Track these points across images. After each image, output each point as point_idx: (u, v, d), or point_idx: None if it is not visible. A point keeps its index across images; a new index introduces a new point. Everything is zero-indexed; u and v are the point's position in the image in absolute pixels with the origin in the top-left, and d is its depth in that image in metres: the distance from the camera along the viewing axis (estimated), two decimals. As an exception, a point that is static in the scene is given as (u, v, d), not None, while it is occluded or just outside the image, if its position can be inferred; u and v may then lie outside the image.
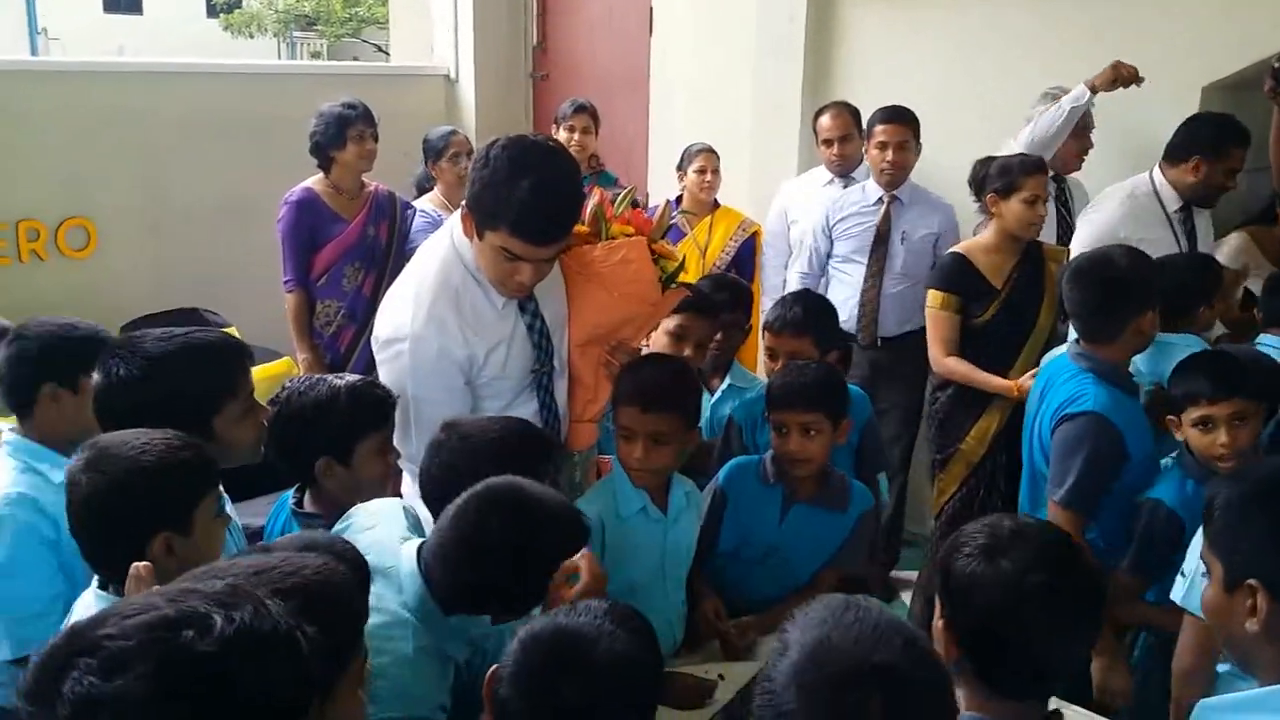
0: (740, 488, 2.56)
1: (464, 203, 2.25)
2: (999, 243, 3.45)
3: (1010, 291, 3.42)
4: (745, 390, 3.23)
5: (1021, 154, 3.51)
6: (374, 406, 2.21)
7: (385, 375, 2.35)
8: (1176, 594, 2.18)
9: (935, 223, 4.04)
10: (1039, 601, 1.43)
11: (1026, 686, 1.47)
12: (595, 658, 1.31)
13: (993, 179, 3.41)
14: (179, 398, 1.89)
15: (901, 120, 3.97)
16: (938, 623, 1.53)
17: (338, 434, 2.15)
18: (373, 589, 1.71)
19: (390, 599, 1.75)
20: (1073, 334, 2.85)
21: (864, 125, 4.15)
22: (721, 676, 2.22)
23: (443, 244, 2.37)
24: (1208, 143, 3.46)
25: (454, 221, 2.35)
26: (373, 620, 1.65)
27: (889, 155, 3.95)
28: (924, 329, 4.04)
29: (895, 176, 3.99)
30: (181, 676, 0.90)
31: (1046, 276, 3.45)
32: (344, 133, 4.13)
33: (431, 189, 4.63)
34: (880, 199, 4.06)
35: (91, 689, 0.87)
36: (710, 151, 4.53)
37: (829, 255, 4.18)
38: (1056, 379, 2.77)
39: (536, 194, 2.13)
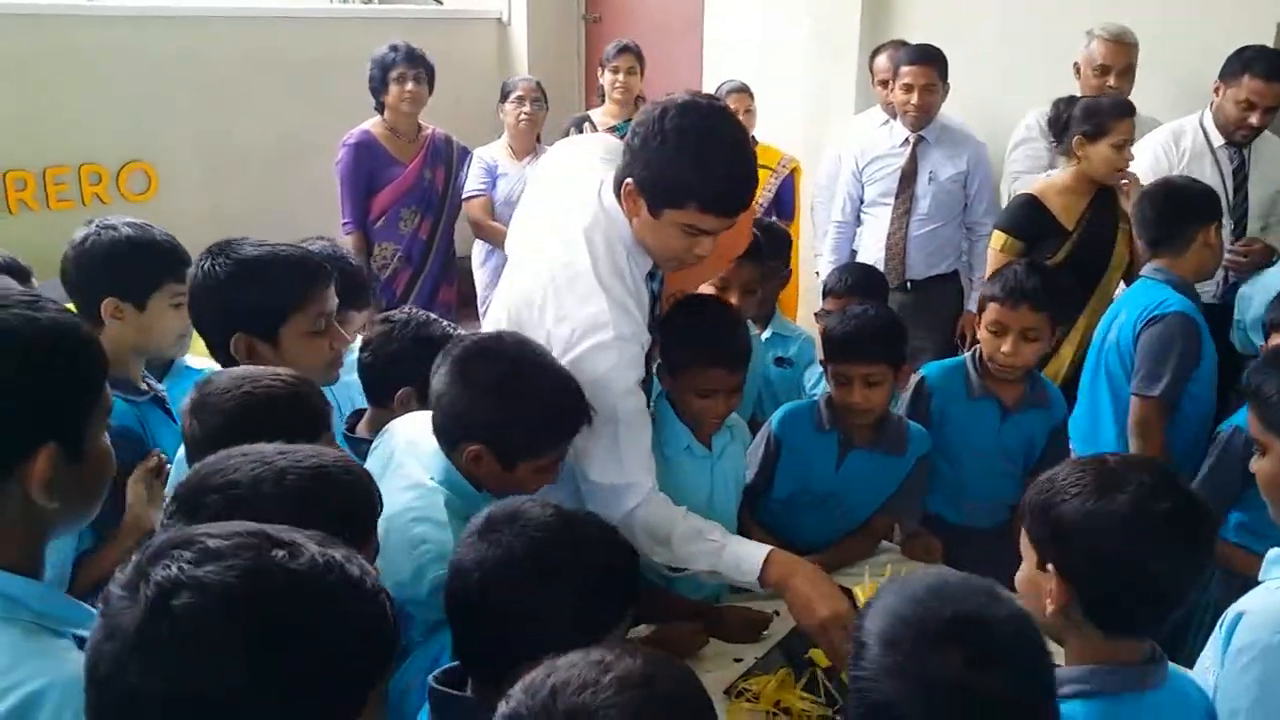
0: (794, 434, 2.51)
1: (627, 181, 2.00)
2: (1076, 184, 3.39)
3: (1082, 233, 3.35)
4: (788, 339, 3.21)
5: (1113, 96, 3.43)
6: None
7: (579, 374, 1.97)
8: None
9: (964, 161, 3.99)
10: (1164, 529, 1.42)
11: (1149, 619, 1.45)
12: None
13: (1079, 121, 3.33)
14: (250, 302, 1.95)
15: (928, 61, 3.90)
16: (1033, 573, 1.51)
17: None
18: (402, 471, 1.82)
19: (419, 475, 1.81)
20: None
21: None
22: (777, 613, 2.22)
23: (599, 221, 2.08)
24: (1229, 66, 3.46)
25: (602, 197, 2.09)
26: (405, 496, 1.76)
27: (914, 98, 3.90)
28: (954, 272, 4.03)
29: (920, 119, 3.95)
30: (266, 580, 0.90)
31: (1120, 215, 3.39)
32: (385, 75, 4.14)
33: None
34: (906, 140, 4.01)
35: (179, 572, 0.88)
36: (742, 92, 4.45)
37: (862, 200, 4.14)
38: (1133, 296, 2.94)
39: (733, 165, 1.96)
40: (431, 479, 1.82)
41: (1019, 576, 1.55)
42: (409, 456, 1.86)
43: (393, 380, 2.24)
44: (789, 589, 1.97)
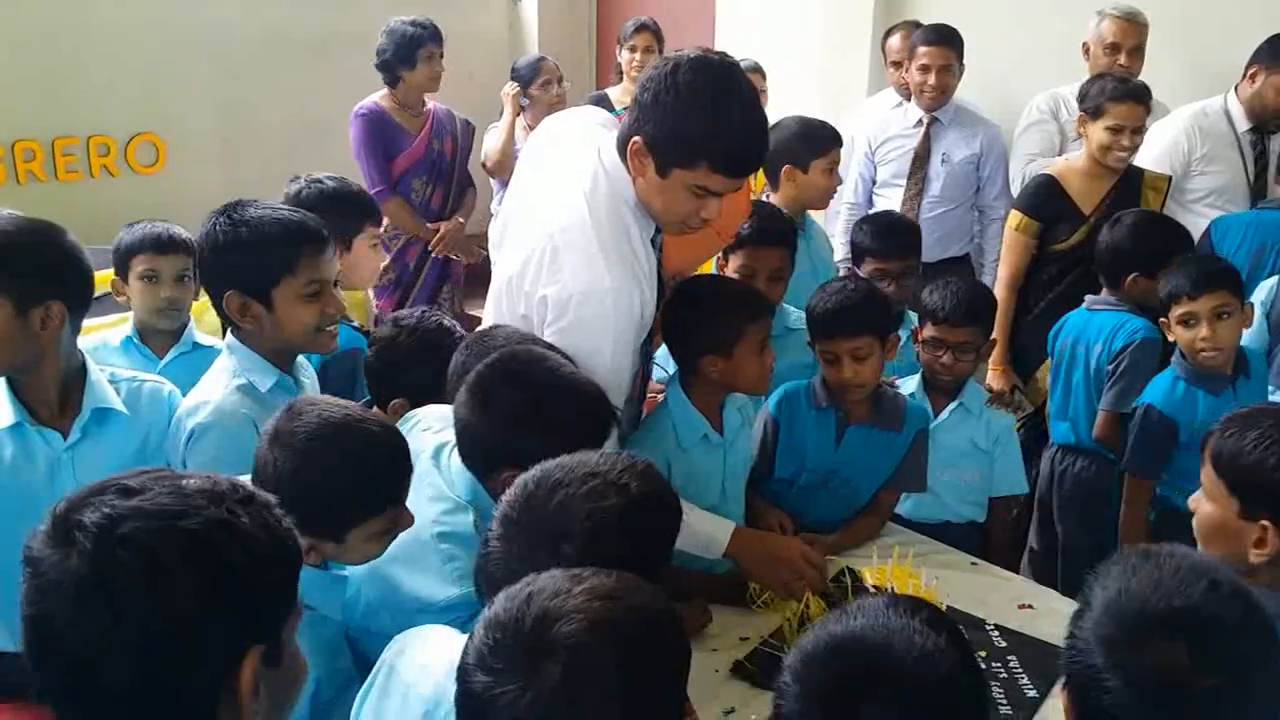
0: (792, 414, 2.52)
1: (635, 139, 1.95)
2: (1090, 166, 3.37)
3: (1100, 218, 3.29)
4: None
5: (1120, 77, 3.40)
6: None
7: (572, 338, 1.98)
8: None
9: (977, 143, 3.96)
10: None
11: None
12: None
13: (1088, 98, 3.33)
14: (244, 263, 1.97)
15: (945, 42, 3.86)
16: (1229, 521, 1.65)
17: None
18: (429, 480, 1.81)
19: (444, 486, 1.82)
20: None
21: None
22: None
23: (600, 182, 2.04)
24: (1266, 52, 3.42)
25: (602, 158, 2.05)
26: (436, 506, 1.77)
27: (931, 79, 3.87)
28: (965, 255, 4.02)
29: (936, 100, 3.92)
30: (193, 497, 0.97)
31: (1144, 205, 3.35)
32: (414, 53, 4.11)
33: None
34: (920, 120, 3.99)
35: (115, 509, 0.93)
36: (755, 72, 4.38)
37: (874, 182, 4.12)
38: None
39: (747, 124, 1.93)
40: (459, 495, 1.80)
41: (1204, 522, 1.70)
42: (435, 466, 1.84)
43: (388, 384, 2.24)
44: (746, 558, 2.12)
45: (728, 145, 1.92)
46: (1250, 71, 3.48)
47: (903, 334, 2.89)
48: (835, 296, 2.45)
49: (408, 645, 1.50)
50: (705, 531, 2.11)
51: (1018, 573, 2.66)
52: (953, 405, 2.71)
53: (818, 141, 3.05)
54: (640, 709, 1.05)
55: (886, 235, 3.00)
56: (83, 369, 2.01)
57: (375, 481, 1.62)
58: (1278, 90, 3.42)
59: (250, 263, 1.97)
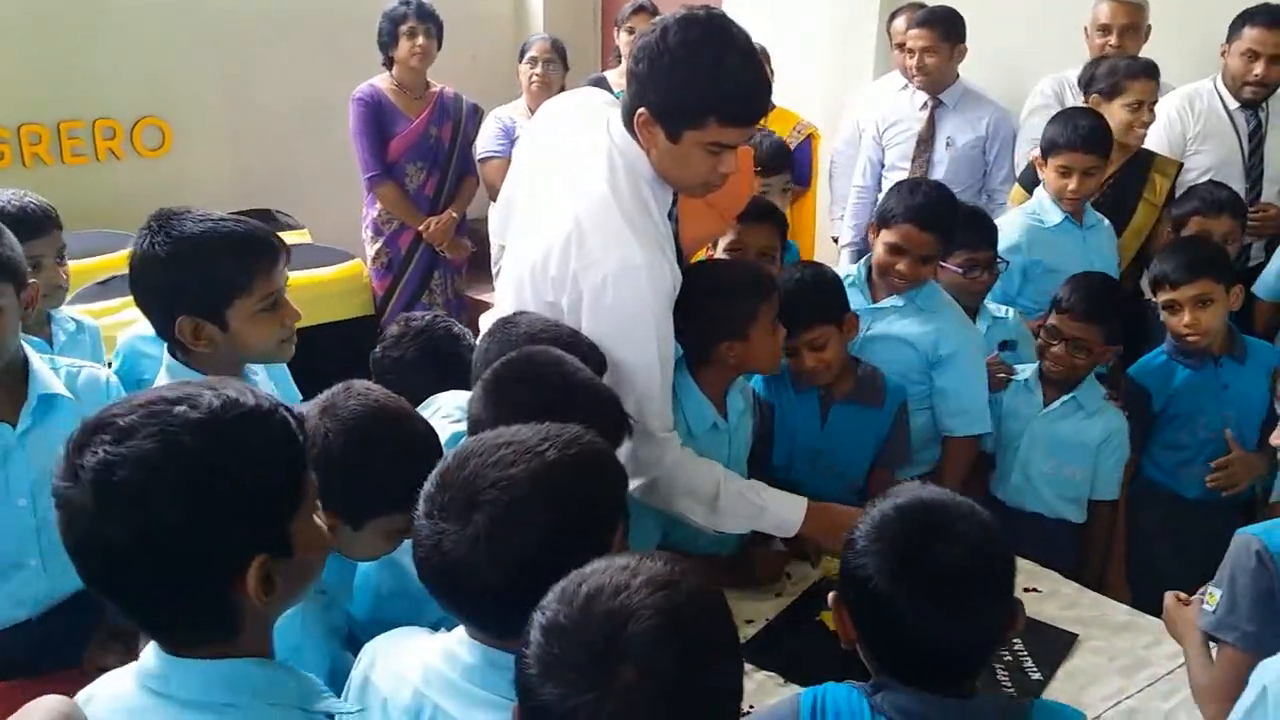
0: (778, 397, 2.54)
1: (640, 110, 1.94)
2: None
3: (1099, 199, 3.29)
4: (1004, 321, 3.08)
5: (1131, 56, 3.42)
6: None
7: (613, 320, 1.98)
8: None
9: (983, 126, 3.94)
10: None
11: None
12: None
13: (1099, 80, 3.33)
14: (191, 285, 1.82)
15: (928, 24, 3.88)
16: None
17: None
18: None
19: None
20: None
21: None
22: (789, 575, 2.24)
23: (615, 160, 2.02)
24: (1233, 24, 3.49)
25: (612, 135, 2.04)
26: None
27: (911, 61, 3.89)
28: None
29: (924, 82, 3.93)
30: (179, 436, 1.07)
31: (1149, 187, 3.36)
32: (395, 30, 4.12)
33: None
34: (926, 103, 3.98)
35: (107, 454, 1.05)
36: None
37: (883, 164, 4.10)
38: None
39: (746, 72, 1.91)
40: None
41: None
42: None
43: (391, 384, 2.22)
44: (815, 532, 2.14)
45: (732, 96, 1.91)
46: (1222, 49, 3.54)
47: (981, 326, 2.89)
48: (784, 290, 2.38)
49: (378, 655, 1.45)
50: (781, 515, 2.14)
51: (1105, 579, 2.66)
52: (1065, 398, 2.69)
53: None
54: (712, 685, 1.07)
55: (978, 224, 2.93)
56: (25, 359, 1.95)
57: (410, 477, 1.57)
58: (1240, 54, 3.47)
59: (199, 285, 1.81)
